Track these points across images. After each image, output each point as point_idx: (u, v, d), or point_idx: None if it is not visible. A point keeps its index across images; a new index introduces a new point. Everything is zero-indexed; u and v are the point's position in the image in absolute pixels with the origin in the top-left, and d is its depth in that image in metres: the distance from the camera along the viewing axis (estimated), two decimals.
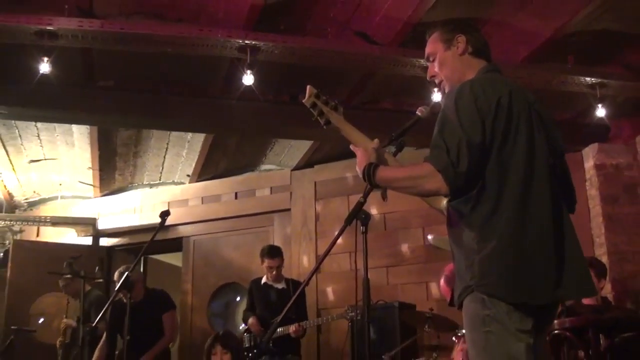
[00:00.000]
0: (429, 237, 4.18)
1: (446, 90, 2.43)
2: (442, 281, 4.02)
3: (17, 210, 8.17)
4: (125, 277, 3.93)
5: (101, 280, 6.00)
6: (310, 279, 2.96)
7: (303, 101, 2.75)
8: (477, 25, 2.57)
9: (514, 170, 2.11)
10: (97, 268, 5.81)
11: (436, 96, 4.71)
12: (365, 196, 2.49)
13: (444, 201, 2.26)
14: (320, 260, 2.64)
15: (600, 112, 5.05)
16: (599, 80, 4.89)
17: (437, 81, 2.47)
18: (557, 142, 2.29)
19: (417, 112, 2.51)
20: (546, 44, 4.54)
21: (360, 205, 2.52)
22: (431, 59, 2.47)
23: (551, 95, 4.95)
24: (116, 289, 3.64)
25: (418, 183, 2.18)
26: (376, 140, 2.42)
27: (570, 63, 4.84)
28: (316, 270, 2.83)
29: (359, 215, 2.53)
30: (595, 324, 2.86)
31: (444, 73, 2.42)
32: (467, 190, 2.13)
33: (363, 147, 2.40)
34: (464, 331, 4.17)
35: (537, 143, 2.17)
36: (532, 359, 2.02)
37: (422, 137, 2.39)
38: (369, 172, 2.27)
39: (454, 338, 4.31)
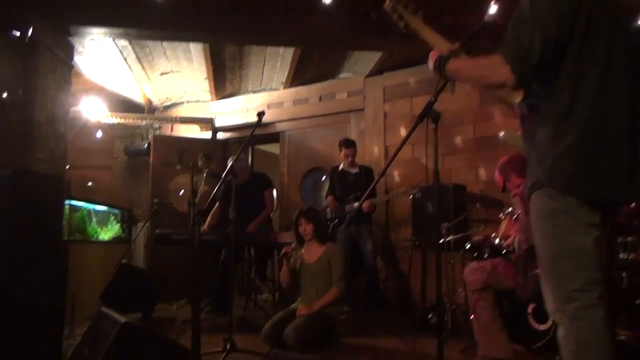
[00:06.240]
0: (500, 134, 3.56)
1: None
2: (496, 171, 3.49)
3: (155, 112, 8.05)
4: (230, 166, 3.70)
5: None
6: (385, 170, 2.56)
7: (383, 6, 2.21)
8: None
9: (591, 70, 1.58)
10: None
11: (492, 9, 4.06)
12: (436, 95, 2.03)
13: (519, 97, 1.76)
14: (395, 153, 2.20)
15: None
16: None
17: None
18: (638, 46, 1.70)
19: (484, 19, 1.99)
20: None
21: (431, 104, 2.08)
22: None
23: None
24: (223, 175, 3.39)
25: (485, 73, 1.67)
26: (457, 44, 1.93)
27: None
28: (391, 162, 2.42)
29: (429, 113, 2.09)
30: None
31: None
32: (540, 86, 1.64)
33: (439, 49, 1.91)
34: (510, 209, 3.71)
35: (617, 45, 1.61)
36: (598, 252, 1.57)
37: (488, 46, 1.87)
38: (440, 63, 1.80)
39: (501, 215, 3.82)
